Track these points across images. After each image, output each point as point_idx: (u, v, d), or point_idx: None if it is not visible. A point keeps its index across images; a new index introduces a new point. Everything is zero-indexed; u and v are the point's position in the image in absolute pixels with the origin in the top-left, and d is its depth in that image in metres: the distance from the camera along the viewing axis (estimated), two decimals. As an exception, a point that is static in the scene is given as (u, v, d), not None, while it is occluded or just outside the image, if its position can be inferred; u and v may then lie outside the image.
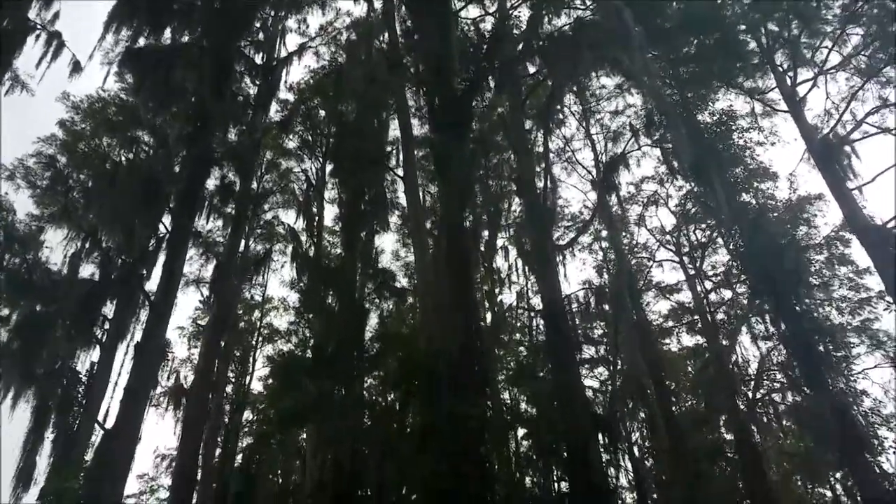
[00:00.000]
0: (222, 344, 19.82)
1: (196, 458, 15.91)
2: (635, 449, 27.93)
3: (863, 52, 21.79)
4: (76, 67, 17.07)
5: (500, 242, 26.02)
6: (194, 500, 20.87)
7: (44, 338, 17.52)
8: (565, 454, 11.17)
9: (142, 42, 16.68)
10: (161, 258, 23.24)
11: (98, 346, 22.28)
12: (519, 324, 26.50)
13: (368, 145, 16.88)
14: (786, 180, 26.68)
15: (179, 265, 15.28)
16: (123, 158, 26.93)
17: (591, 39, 12.58)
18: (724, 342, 24.00)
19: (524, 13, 22.26)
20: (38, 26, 16.14)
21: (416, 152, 16.26)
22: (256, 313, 33.68)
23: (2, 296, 22.80)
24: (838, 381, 17.44)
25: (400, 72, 15.27)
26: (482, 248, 23.30)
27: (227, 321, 18.20)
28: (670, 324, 30.39)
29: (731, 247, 22.01)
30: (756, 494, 20.05)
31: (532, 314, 19.57)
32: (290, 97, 28.62)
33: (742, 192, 25.10)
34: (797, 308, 18.47)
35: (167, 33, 17.17)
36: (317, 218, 27.27)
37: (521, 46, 15.34)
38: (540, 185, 15.93)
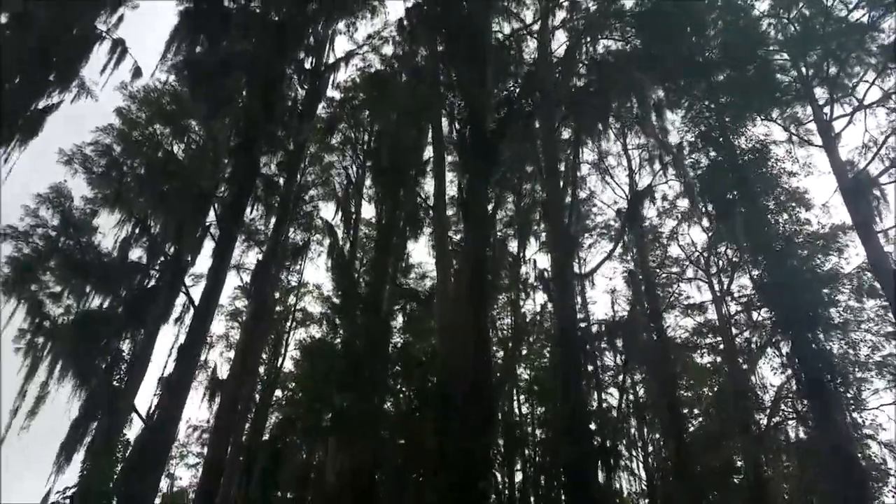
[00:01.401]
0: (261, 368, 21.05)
1: (227, 443, 17.00)
2: (650, 459, 28.59)
3: (905, 89, 21.64)
4: (137, 72, 18.30)
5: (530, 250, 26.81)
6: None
7: (99, 333, 18.94)
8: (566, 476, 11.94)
9: (199, 49, 17.72)
10: (206, 245, 24.89)
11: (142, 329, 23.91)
12: (542, 329, 27.26)
13: (405, 157, 17.68)
14: (819, 210, 26.62)
15: (223, 273, 16.36)
16: (176, 147, 28.53)
17: (617, 90, 13.18)
18: (743, 366, 24.31)
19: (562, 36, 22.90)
20: (104, 33, 17.31)
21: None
22: (292, 298, 35.09)
23: (56, 274, 24.47)
24: (847, 420, 17.72)
25: (437, 92, 15.96)
26: (510, 259, 24.08)
27: (265, 313, 19.34)
28: (696, 339, 30.71)
29: (754, 276, 22.23)
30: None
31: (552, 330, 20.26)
32: (336, 94, 29.78)
33: (774, 218, 25.31)
34: (813, 345, 18.77)
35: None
36: (354, 215, 28.40)
37: (557, 75, 15.90)
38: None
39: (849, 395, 20.34)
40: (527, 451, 21.17)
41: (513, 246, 24.37)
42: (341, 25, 26.64)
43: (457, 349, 10.34)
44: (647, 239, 28.53)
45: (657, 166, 21.10)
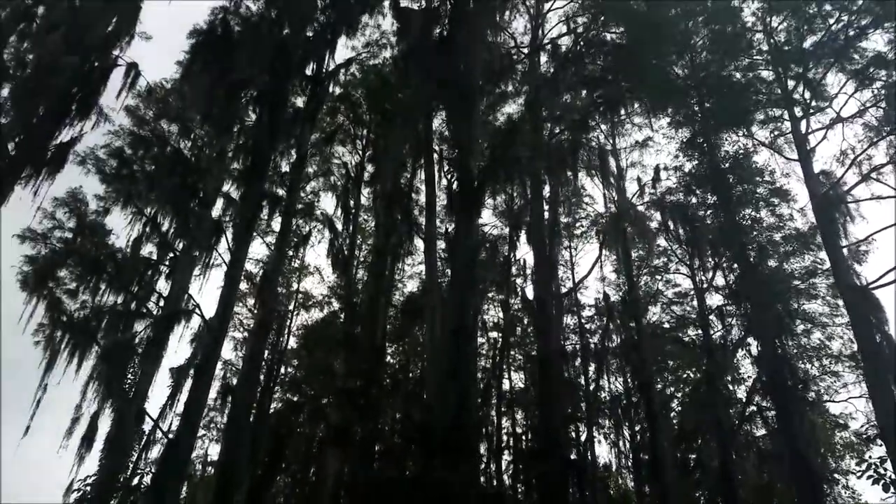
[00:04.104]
0: (265, 353, 22.53)
1: (234, 462, 17.93)
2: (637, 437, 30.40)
3: (880, 104, 22.41)
4: (150, 92, 19.35)
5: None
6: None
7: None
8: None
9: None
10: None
11: (153, 321, 25.46)
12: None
13: (397, 177, 18.88)
14: (799, 210, 27.68)
15: (233, 297, 17.67)
16: (182, 144, 29.68)
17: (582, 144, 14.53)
18: (718, 361, 25.77)
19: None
20: (120, 59, 18.32)
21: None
22: (294, 283, 36.67)
23: (72, 272, 25.90)
24: (804, 423, 19.22)
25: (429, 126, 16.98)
26: (501, 259, 25.55)
27: (269, 327, 20.71)
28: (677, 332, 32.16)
29: (729, 280, 23.61)
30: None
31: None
32: (337, 89, 30.86)
33: (751, 216, 26.64)
34: (779, 351, 20.28)
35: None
36: (353, 210, 29.73)
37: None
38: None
39: (810, 397, 21.84)
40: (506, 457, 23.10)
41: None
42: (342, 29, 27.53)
43: (441, 391, 11.56)
44: (633, 233, 29.63)
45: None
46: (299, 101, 26.30)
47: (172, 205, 26.80)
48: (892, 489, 18.38)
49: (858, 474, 19.69)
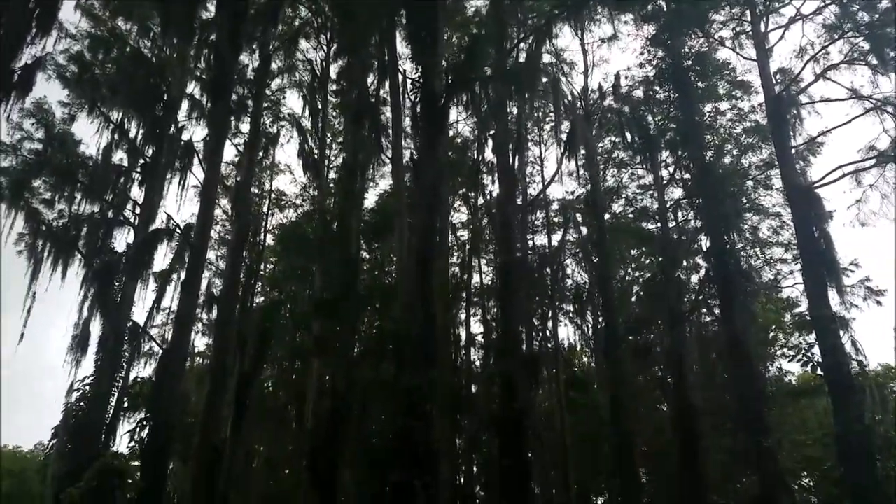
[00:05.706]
0: (244, 255, 23.38)
1: (224, 362, 19.29)
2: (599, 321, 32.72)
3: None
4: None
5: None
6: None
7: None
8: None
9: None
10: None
11: (132, 228, 26.09)
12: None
13: (364, 98, 19.10)
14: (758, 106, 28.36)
15: (210, 214, 18.25)
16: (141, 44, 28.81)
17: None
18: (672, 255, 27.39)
19: None
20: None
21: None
22: (267, 183, 37.00)
23: (47, 182, 26.00)
24: (745, 312, 21.07)
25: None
26: (471, 162, 26.29)
27: (248, 230, 21.43)
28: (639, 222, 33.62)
29: (687, 177, 24.71)
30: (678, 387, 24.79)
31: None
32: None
33: (713, 108, 27.46)
34: (727, 246, 21.84)
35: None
36: (321, 111, 29.70)
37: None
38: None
39: (755, 286, 23.72)
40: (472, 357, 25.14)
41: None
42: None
43: (409, 304, 12.68)
44: (599, 126, 30.12)
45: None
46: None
47: (138, 109, 26.74)
48: (818, 370, 20.67)
49: (789, 359, 21.77)
